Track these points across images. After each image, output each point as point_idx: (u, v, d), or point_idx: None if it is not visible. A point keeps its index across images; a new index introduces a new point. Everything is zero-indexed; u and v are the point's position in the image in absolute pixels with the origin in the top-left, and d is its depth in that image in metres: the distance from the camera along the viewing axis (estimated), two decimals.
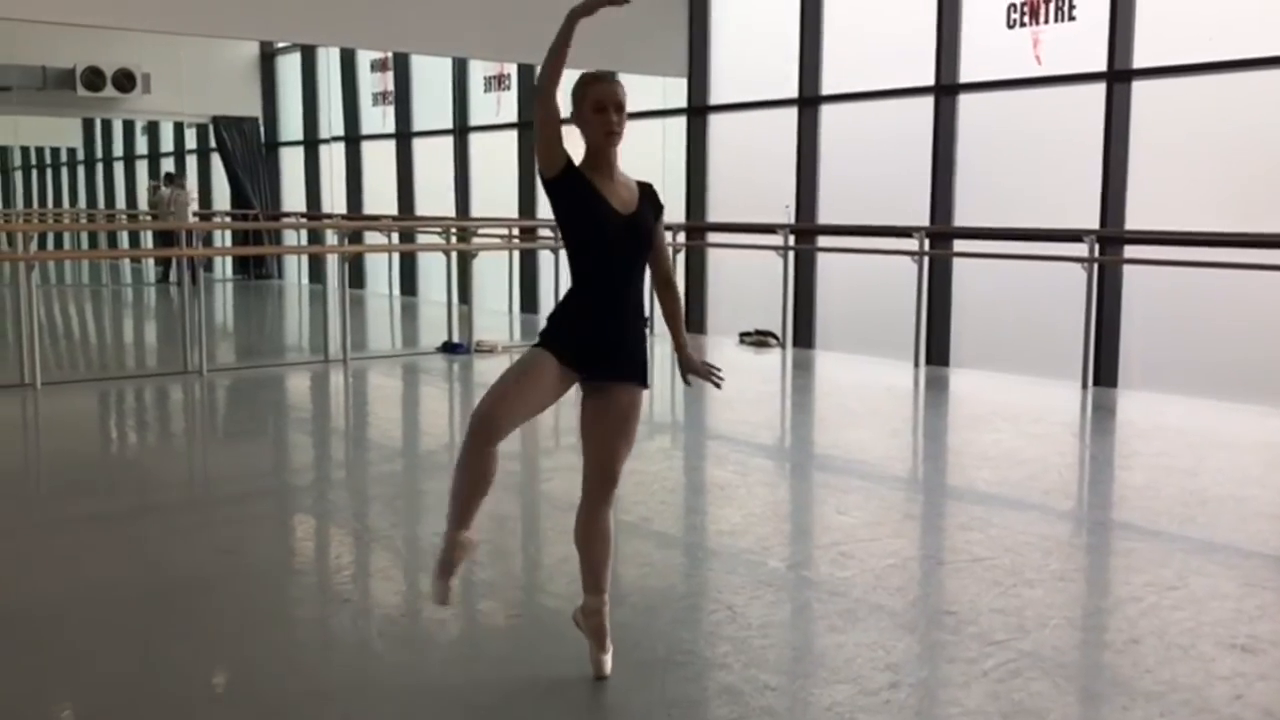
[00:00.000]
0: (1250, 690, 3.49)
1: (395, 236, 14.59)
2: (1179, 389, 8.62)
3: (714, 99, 12.53)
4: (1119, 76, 9.01)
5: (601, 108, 3.38)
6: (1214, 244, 8.25)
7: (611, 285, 3.45)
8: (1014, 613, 4.10)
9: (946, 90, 10.22)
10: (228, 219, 19.69)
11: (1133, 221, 9.05)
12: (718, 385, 3.58)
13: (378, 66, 17.53)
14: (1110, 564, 4.99)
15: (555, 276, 11.73)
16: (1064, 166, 9.60)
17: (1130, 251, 9.06)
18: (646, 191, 3.54)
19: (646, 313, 3.58)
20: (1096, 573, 4.90)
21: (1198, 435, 7.42)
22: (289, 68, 19.81)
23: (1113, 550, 5.16)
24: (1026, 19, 9.66)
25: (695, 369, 3.58)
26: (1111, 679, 3.64)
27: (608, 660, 3.54)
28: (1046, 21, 9.54)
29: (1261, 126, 8.46)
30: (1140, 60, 8.97)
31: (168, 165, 22.73)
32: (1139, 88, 9.01)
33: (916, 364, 9.99)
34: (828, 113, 11.42)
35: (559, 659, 3.70)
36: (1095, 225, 9.04)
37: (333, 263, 11.40)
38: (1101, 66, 9.07)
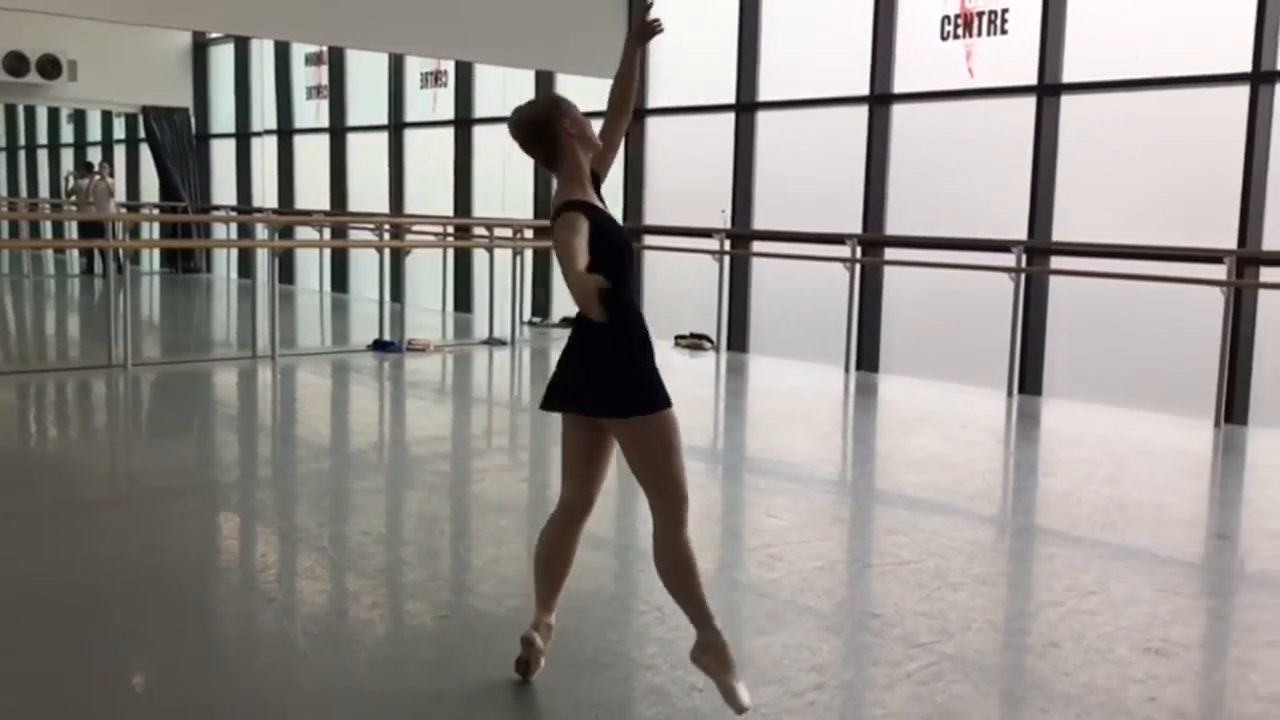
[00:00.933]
0: (1163, 692, 3.58)
1: (327, 232, 14.43)
2: (1102, 398, 8.82)
3: (652, 103, 12.56)
4: (1049, 90, 9.18)
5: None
6: (1137, 257, 8.45)
7: (636, 303, 3.41)
8: (938, 616, 4.17)
9: (881, 100, 10.34)
10: (155, 211, 19.31)
11: (1059, 233, 9.24)
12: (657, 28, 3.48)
13: (312, 60, 17.32)
14: (1032, 569, 5.09)
15: (490, 276, 11.68)
16: (995, 178, 9.76)
17: (1056, 262, 9.25)
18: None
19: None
20: (1019, 577, 5.00)
21: (1119, 443, 7.59)
22: (221, 59, 19.50)
23: (1035, 555, 5.26)
24: (960, 32, 9.81)
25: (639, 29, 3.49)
26: (1031, 682, 3.71)
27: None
28: (979, 35, 9.71)
29: (1185, 143, 8.67)
30: (1070, 75, 9.17)
31: (95, 155, 22.25)
32: (1068, 102, 9.20)
33: (847, 369, 10.10)
34: (764, 119, 11.50)
35: (487, 660, 3.69)
36: (1023, 236, 9.21)
37: (263, 257, 11.24)
38: (1032, 80, 9.24)
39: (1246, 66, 8.13)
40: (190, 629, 4.01)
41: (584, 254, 3.01)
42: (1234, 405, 8.16)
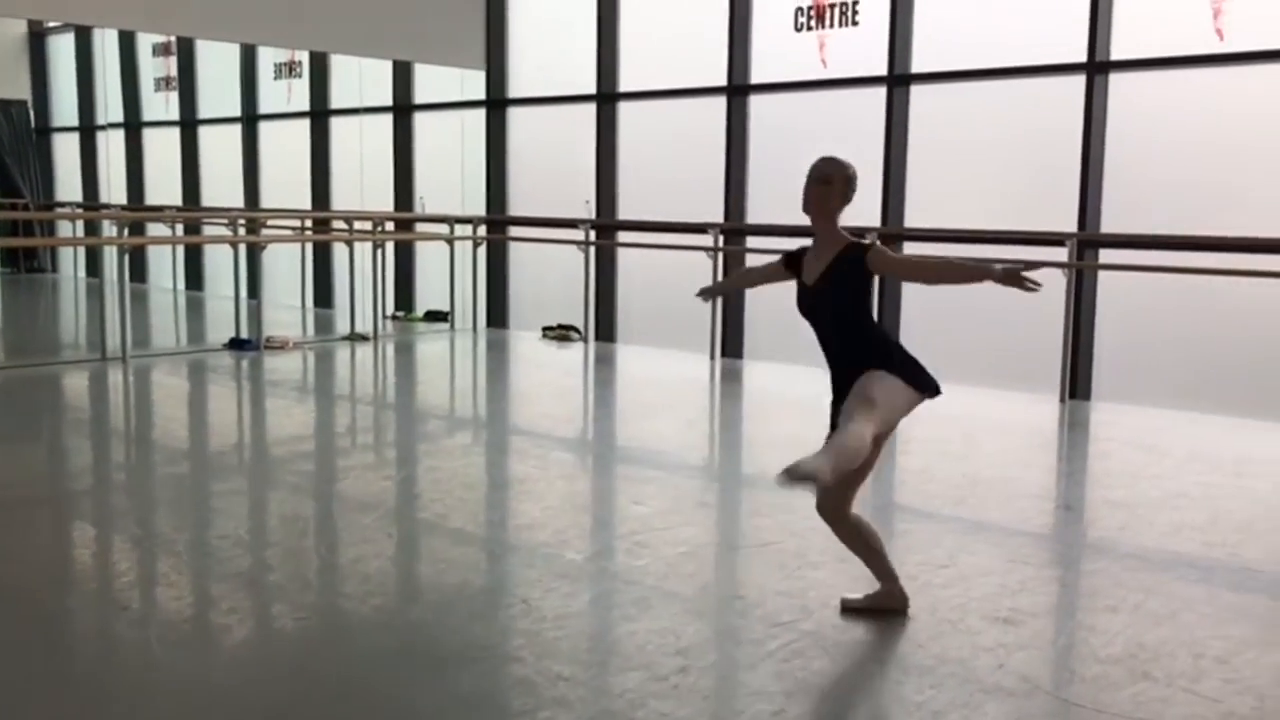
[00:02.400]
0: (1011, 659, 3.73)
1: (179, 228, 13.97)
2: (953, 378, 9.07)
3: (513, 92, 12.50)
4: (898, 81, 9.44)
5: None
6: (984, 241, 8.76)
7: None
8: (799, 594, 4.27)
9: (738, 90, 10.49)
10: None
11: (911, 219, 9.51)
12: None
13: (160, 50, 16.72)
14: (888, 544, 5.22)
15: (350, 270, 11.47)
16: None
17: (909, 248, 9.52)
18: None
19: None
20: None
21: (971, 422, 7.85)
22: (61, 48, 18.67)
23: (891, 531, 5.40)
24: (813, 23, 10.01)
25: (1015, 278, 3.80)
26: (887, 655, 3.83)
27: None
28: (832, 26, 9.92)
29: (1027, 131, 9.02)
30: (918, 65, 9.44)
31: None
32: (917, 91, 9.47)
33: (713, 356, 10.23)
34: (626, 110, 11.55)
35: (349, 659, 3.65)
36: (878, 223, 9.45)
37: (111, 255, 10.83)
38: (882, 70, 9.49)
39: (1082, 57, 8.50)
40: (37, 640, 3.85)
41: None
42: (1077, 381, 8.55)
